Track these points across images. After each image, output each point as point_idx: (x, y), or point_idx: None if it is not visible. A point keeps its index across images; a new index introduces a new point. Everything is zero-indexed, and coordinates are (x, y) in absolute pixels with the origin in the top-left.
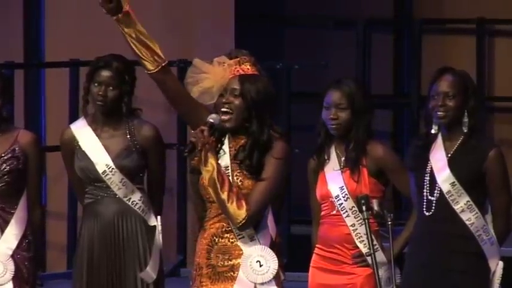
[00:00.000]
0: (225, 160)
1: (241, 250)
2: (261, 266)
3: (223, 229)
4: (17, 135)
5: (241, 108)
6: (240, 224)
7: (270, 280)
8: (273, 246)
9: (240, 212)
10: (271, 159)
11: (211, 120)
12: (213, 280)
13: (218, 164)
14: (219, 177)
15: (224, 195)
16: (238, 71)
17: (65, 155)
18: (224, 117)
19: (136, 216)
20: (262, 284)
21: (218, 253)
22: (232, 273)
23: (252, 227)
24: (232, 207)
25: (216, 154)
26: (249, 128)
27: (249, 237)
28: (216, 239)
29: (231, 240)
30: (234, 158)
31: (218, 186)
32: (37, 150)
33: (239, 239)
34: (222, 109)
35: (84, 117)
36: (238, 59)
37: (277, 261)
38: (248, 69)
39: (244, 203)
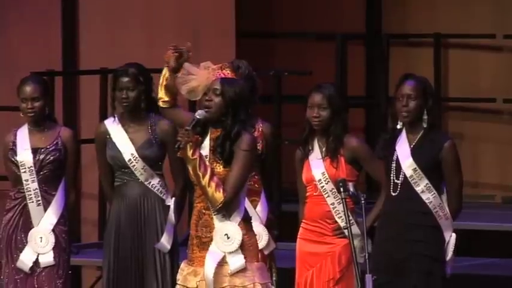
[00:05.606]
0: (206, 150)
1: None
2: (228, 238)
3: (205, 207)
4: (59, 131)
5: (220, 105)
6: (218, 206)
7: (237, 249)
8: (247, 221)
9: (217, 196)
10: (239, 152)
11: (198, 117)
12: (200, 249)
13: (200, 155)
14: (201, 166)
15: (204, 182)
16: (220, 74)
17: (98, 144)
18: (206, 110)
19: (155, 197)
20: (230, 253)
21: (202, 226)
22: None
23: (229, 208)
24: (211, 191)
25: (198, 146)
26: (224, 121)
27: (221, 215)
28: (201, 215)
29: (210, 216)
30: (212, 147)
31: (200, 174)
32: (75, 144)
33: (214, 216)
34: (205, 104)
35: (114, 115)
36: (220, 65)
37: (241, 234)
38: (228, 73)
39: (221, 190)
